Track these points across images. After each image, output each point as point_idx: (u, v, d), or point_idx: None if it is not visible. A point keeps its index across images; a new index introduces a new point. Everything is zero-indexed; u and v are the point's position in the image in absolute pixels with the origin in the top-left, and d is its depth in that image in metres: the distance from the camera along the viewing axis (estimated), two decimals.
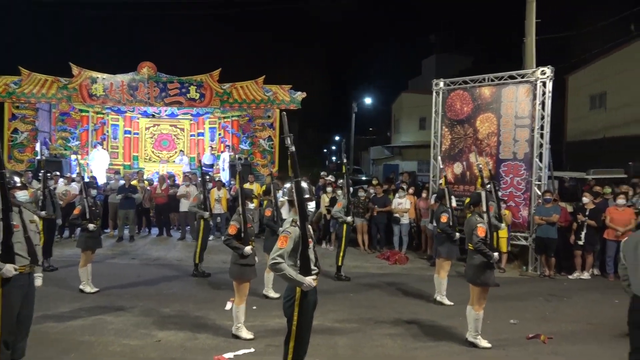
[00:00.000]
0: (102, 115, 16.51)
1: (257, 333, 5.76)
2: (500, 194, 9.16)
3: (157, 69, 15.43)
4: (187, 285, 8.23)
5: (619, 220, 9.09)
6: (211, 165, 15.83)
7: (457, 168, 10.96)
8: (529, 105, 9.87)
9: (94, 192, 8.37)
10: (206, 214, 8.91)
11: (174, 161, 16.61)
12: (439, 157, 10.72)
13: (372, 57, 59.50)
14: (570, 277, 9.42)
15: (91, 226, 7.47)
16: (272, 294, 7.36)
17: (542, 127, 9.74)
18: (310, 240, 3.97)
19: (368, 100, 36.12)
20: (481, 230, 5.54)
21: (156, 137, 17.27)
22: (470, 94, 10.78)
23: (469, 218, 5.88)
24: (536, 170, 9.79)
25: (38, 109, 15.15)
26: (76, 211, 7.67)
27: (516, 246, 10.22)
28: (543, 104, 9.70)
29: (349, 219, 8.92)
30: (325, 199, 11.82)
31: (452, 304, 7.19)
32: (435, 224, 8.06)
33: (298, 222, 3.93)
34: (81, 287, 7.47)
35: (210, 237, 10.45)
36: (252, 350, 5.34)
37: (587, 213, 9.37)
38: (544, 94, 9.68)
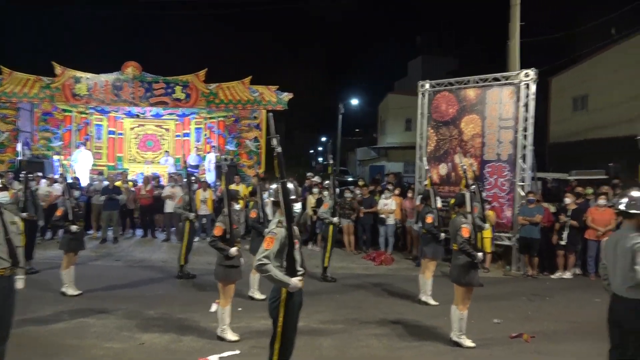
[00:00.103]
0: (85, 115, 16.29)
1: (242, 335, 5.74)
2: (484, 194, 9.27)
3: (142, 68, 15.29)
4: (171, 287, 8.17)
5: (599, 221, 9.25)
6: (197, 166, 15.72)
7: (443, 169, 11.05)
8: (513, 107, 9.99)
9: (77, 193, 8.28)
10: (191, 215, 8.85)
11: (159, 162, 16.45)
12: (425, 158, 10.80)
13: (359, 58, 59.72)
14: (552, 276, 9.56)
15: (74, 228, 7.37)
16: (258, 295, 7.34)
17: (525, 129, 9.87)
18: (296, 241, 3.97)
19: (355, 101, 36.23)
20: (465, 231, 5.59)
21: (141, 138, 17.08)
22: (456, 96, 10.88)
23: (454, 219, 5.94)
24: (519, 172, 9.91)
25: (19, 108, 14.88)
26: (58, 212, 7.56)
27: (500, 246, 10.34)
28: (527, 105, 9.83)
29: (335, 220, 8.93)
30: (311, 200, 11.82)
31: (437, 303, 7.24)
32: (420, 224, 8.11)
33: (284, 223, 3.93)
34: (63, 289, 7.36)
35: (196, 239, 10.38)
36: (238, 352, 5.31)
37: (569, 213, 9.52)
38: (527, 96, 9.81)
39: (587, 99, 22.10)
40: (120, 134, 16.87)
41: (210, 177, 15.00)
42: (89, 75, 15.09)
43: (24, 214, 8.39)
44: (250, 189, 10.26)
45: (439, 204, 7.98)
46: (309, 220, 11.97)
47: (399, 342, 5.80)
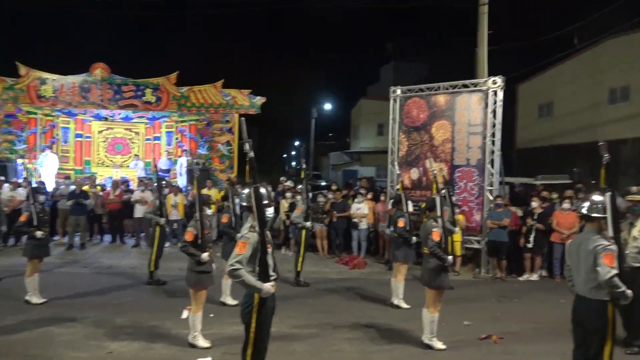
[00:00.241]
0: (51, 118, 15.80)
1: (214, 341, 5.67)
2: (454, 199, 9.46)
3: (111, 70, 14.98)
4: (141, 294, 8.00)
5: (564, 224, 9.54)
6: (168, 170, 15.47)
7: (414, 174, 11.21)
8: (481, 113, 10.24)
9: (42, 197, 8.04)
10: (162, 220, 8.70)
11: (128, 166, 16.10)
12: (396, 163, 10.94)
13: (332, 63, 60.08)
14: (520, 278, 9.81)
15: (39, 233, 7.14)
16: (230, 301, 7.26)
17: (493, 135, 10.12)
18: (269, 246, 3.96)
19: (328, 106, 36.40)
20: (436, 235, 5.69)
21: (109, 141, 16.69)
22: (426, 102, 11.07)
23: (425, 223, 6.03)
24: (488, 176, 10.15)
25: None
26: (22, 218, 7.30)
27: (470, 249, 10.54)
28: (494, 112, 10.08)
29: (308, 224, 8.94)
30: (284, 205, 11.80)
31: (408, 307, 7.33)
32: (392, 228, 8.20)
33: (257, 228, 3.92)
34: (27, 298, 7.11)
35: (166, 244, 10.22)
36: (209, 359, 5.25)
37: (535, 217, 9.79)
38: (495, 102, 10.07)
39: (552, 106, 22.85)
40: (88, 137, 16.43)
41: (181, 181, 14.79)
42: (55, 76, 14.70)
43: None
44: (222, 193, 10.18)
45: (411, 208, 8.08)
46: (282, 224, 11.94)
47: (372, 346, 5.84)
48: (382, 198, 11.55)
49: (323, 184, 26.19)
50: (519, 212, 10.38)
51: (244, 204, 4.35)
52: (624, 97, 19.15)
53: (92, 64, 14.92)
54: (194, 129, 16.26)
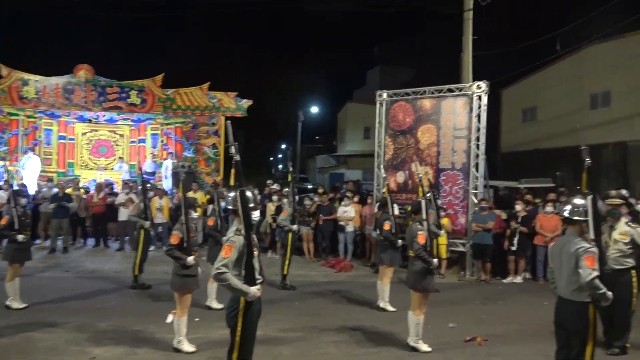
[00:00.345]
0: (33, 120, 15.57)
1: (199, 346, 5.63)
2: (439, 202, 9.52)
3: (95, 72, 14.81)
4: (125, 298, 7.91)
5: (547, 227, 9.66)
6: (153, 173, 15.33)
7: (400, 177, 11.27)
8: (466, 118, 10.34)
9: (23, 200, 7.90)
10: (147, 224, 8.62)
11: (112, 168, 15.94)
12: (382, 167, 10.98)
13: (319, 67, 60.18)
14: (504, 281, 9.91)
15: (20, 237, 7.02)
16: (216, 305, 7.21)
17: (478, 139, 10.23)
18: (255, 249, 3.95)
19: (314, 109, 36.45)
20: (421, 238, 5.72)
21: (93, 143, 16.51)
22: (412, 106, 11.15)
23: (410, 226, 6.06)
24: (473, 180, 10.25)
25: None
26: (3, 221, 7.16)
27: (455, 252, 10.62)
28: (479, 116, 10.20)
29: (295, 227, 8.93)
30: (271, 208, 11.77)
31: (394, 309, 7.35)
32: (378, 231, 8.23)
33: (242, 231, 3.90)
34: (8, 303, 6.97)
35: (151, 248, 10.12)
36: None
37: (519, 220, 9.91)
38: (479, 107, 10.18)
39: (536, 111, 23.21)
40: (72, 139, 16.22)
41: (167, 184, 14.68)
42: (38, 77, 14.50)
43: None
44: (208, 196, 10.13)
45: (396, 211, 8.12)
46: (268, 228, 11.91)
47: (358, 349, 5.85)
48: (369, 201, 11.59)
49: (310, 187, 26.19)
50: (503, 215, 10.50)
51: (230, 207, 4.33)
52: (605, 103, 19.55)
53: (75, 65, 14.74)
54: (179, 132, 16.16)
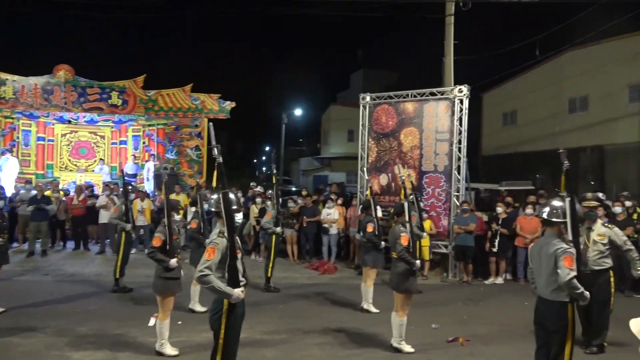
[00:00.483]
0: (11, 120, 15.23)
1: (182, 349, 5.58)
2: (422, 204, 9.62)
3: (75, 72, 14.58)
4: (106, 302, 7.79)
5: (527, 229, 9.83)
6: (134, 175, 15.14)
7: (383, 179, 11.34)
8: (448, 121, 10.47)
9: (0, 203, 7.74)
10: (128, 226, 8.52)
11: (93, 170, 15.69)
12: (366, 169, 11.03)
13: (303, 70, 60.28)
14: (486, 282, 10.05)
15: None
16: (199, 307, 7.16)
17: (459, 142, 10.36)
18: (238, 251, 3.94)
19: (298, 112, 36.47)
20: (404, 239, 5.77)
21: (73, 145, 16.22)
22: (395, 109, 11.24)
23: (393, 228, 6.11)
24: (455, 182, 10.38)
25: None
26: None
27: (437, 254, 10.73)
28: (460, 119, 10.34)
29: (278, 229, 8.92)
30: (254, 210, 11.74)
31: (378, 311, 7.39)
32: (361, 233, 8.27)
33: (225, 234, 3.89)
34: None
35: (133, 250, 9.99)
36: None
37: (500, 222, 10.06)
38: (461, 110, 10.32)
39: (516, 115, 23.60)
40: (51, 140, 15.91)
41: (149, 186, 14.51)
42: (15, 77, 14.20)
43: None
44: (190, 199, 10.05)
45: (380, 214, 8.17)
46: (251, 230, 11.87)
47: (342, 350, 5.87)
48: (353, 203, 11.64)
49: (293, 189, 26.19)
50: (485, 217, 10.64)
51: (213, 209, 4.31)
52: (583, 107, 19.98)
53: (55, 65, 14.49)
54: (162, 133, 15.99)
